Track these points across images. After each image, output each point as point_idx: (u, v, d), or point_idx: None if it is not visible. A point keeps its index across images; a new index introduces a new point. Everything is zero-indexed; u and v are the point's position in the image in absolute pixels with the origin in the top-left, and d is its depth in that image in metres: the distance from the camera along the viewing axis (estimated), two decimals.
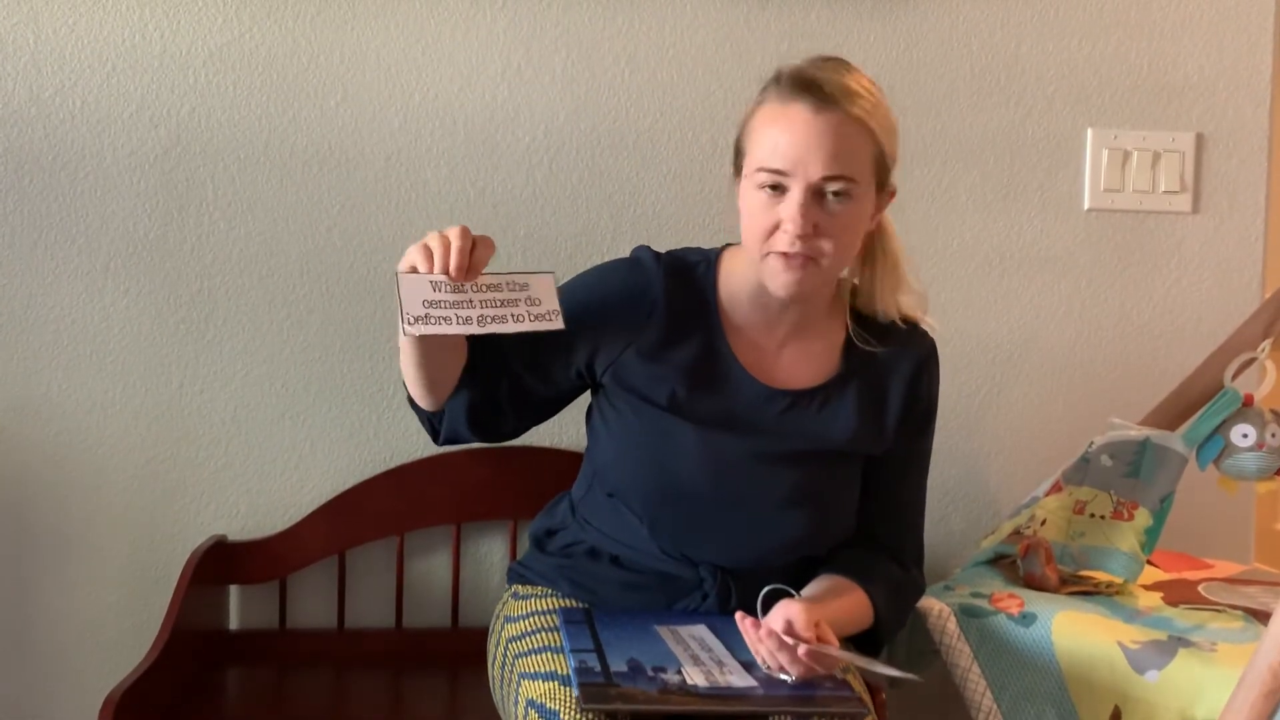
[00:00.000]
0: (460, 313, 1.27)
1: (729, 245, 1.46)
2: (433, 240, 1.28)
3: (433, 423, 1.46)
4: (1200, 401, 1.69)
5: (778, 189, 1.29)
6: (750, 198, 1.32)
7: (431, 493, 1.82)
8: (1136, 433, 1.69)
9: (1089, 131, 1.94)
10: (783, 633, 1.24)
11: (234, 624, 1.85)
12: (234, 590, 1.84)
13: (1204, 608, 1.58)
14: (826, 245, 1.30)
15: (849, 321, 1.43)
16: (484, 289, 1.29)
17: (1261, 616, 1.53)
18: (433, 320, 1.26)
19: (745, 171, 1.33)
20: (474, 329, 1.28)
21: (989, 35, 1.91)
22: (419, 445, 1.84)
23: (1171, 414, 1.73)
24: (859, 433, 1.41)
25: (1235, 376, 1.66)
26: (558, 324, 1.30)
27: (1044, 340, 1.95)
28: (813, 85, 1.28)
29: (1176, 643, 1.43)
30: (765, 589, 1.31)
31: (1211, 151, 1.96)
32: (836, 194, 1.29)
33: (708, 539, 1.40)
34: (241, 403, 1.83)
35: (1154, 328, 1.97)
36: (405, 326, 1.26)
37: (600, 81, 1.85)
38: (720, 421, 1.39)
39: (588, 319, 1.39)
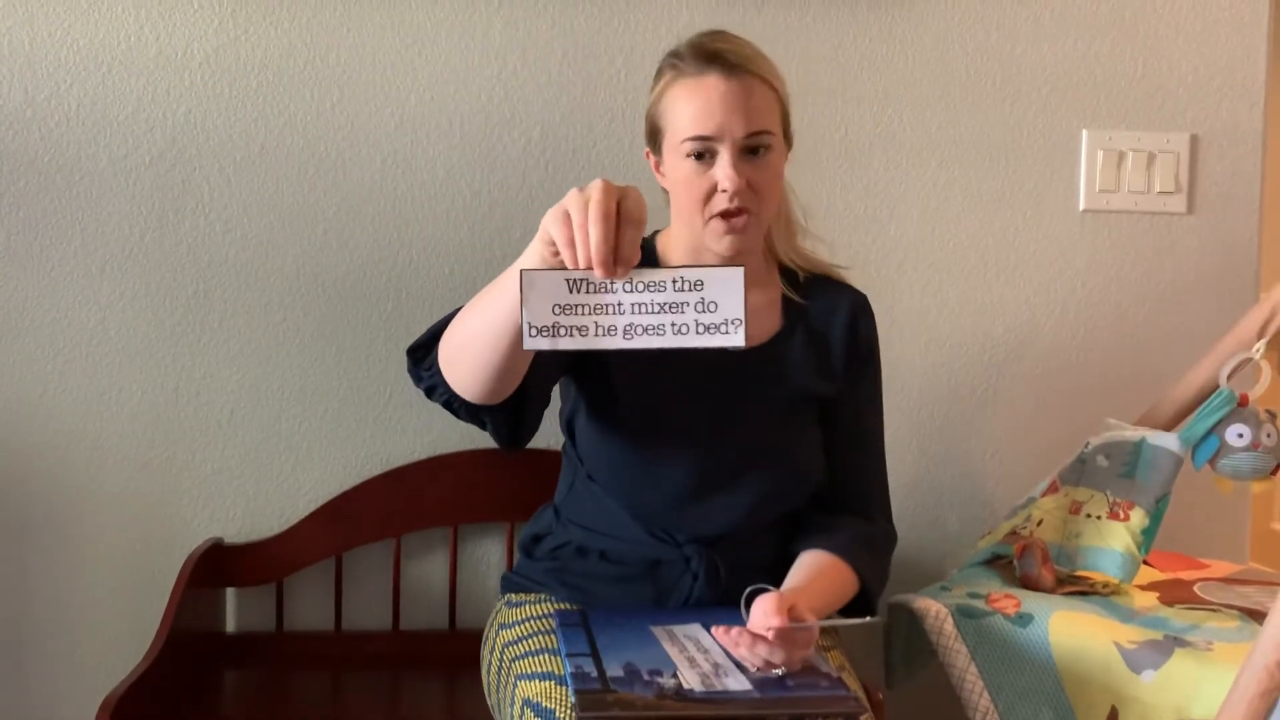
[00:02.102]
0: (603, 320, 1.04)
1: (658, 231, 1.50)
2: (574, 208, 1.05)
3: (495, 423, 1.37)
4: (1196, 402, 1.69)
5: (705, 156, 1.35)
6: (679, 169, 1.37)
7: (428, 494, 1.82)
8: (1132, 433, 1.69)
9: (1084, 133, 1.94)
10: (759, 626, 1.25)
11: (231, 626, 1.84)
12: (231, 593, 1.84)
13: (1200, 607, 1.58)
14: (758, 197, 1.37)
15: (779, 277, 1.50)
16: (640, 287, 1.04)
17: (1257, 616, 1.53)
18: (563, 331, 1.03)
19: (669, 145, 1.38)
20: (617, 342, 1.04)
21: (984, 36, 1.92)
22: (415, 447, 1.84)
23: (1167, 414, 1.73)
24: (809, 374, 1.46)
25: (1230, 377, 1.66)
26: (737, 339, 1.05)
27: (1040, 341, 1.96)
28: (719, 55, 1.35)
29: (1173, 642, 1.43)
30: (747, 590, 1.31)
31: (1206, 152, 1.96)
32: (760, 149, 1.36)
33: (683, 507, 1.42)
34: (238, 404, 1.82)
35: (1149, 328, 1.97)
36: (525, 338, 1.05)
37: (596, 83, 1.85)
38: (677, 391, 1.42)
39: None
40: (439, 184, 1.83)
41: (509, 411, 1.37)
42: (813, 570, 1.41)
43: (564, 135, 1.85)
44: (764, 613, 1.25)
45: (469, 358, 1.25)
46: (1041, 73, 1.93)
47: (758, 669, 1.26)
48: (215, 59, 1.79)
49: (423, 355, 1.36)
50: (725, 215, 1.36)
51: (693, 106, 1.34)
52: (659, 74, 1.41)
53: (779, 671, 1.25)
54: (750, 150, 1.35)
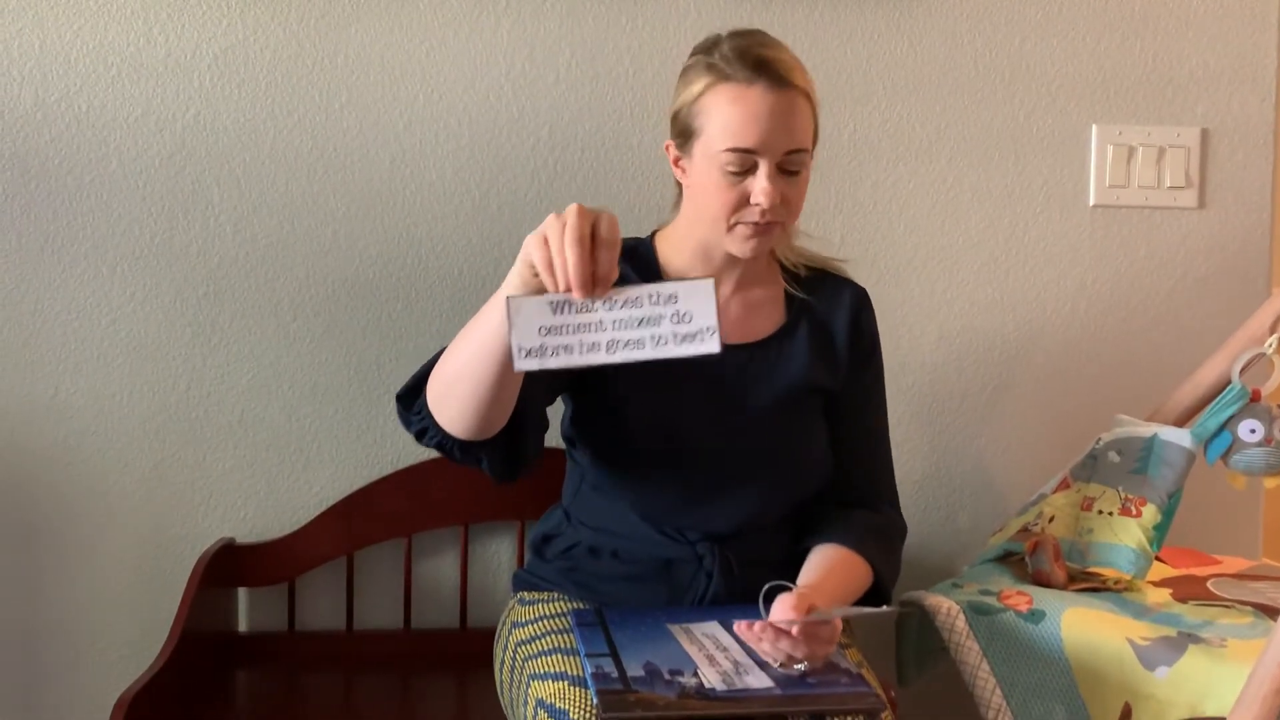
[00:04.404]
0: (586, 338, 1.10)
1: (656, 231, 1.51)
2: (552, 233, 1.10)
3: (491, 458, 1.35)
4: (1208, 397, 1.69)
5: (743, 166, 1.34)
6: (710, 174, 1.35)
7: (439, 493, 1.82)
8: (1144, 429, 1.69)
9: (1094, 128, 1.93)
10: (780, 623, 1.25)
11: (243, 626, 1.85)
12: (243, 593, 1.84)
13: (1213, 604, 1.58)
14: (788, 211, 1.38)
15: (781, 273, 1.50)
16: (619, 304, 1.10)
17: (1271, 612, 1.53)
18: (550, 351, 1.10)
19: (702, 148, 1.36)
20: (600, 357, 1.10)
21: (993, 32, 1.91)
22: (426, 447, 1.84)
23: (1179, 410, 1.73)
24: (814, 366, 1.47)
25: (1243, 372, 1.66)
26: (712, 346, 1.11)
27: (1050, 337, 1.95)
28: (766, 65, 1.33)
29: (1186, 639, 1.43)
30: (765, 587, 1.31)
31: (1217, 147, 1.96)
32: (795, 167, 1.36)
33: (694, 505, 1.42)
34: (249, 405, 1.83)
35: (1160, 324, 1.97)
36: (515, 360, 1.10)
37: (604, 82, 1.85)
38: (684, 387, 1.43)
39: None
40: (448, 184, 1.84)
41: (504, 445, 1.33)
42: (827, 565, 1.41)
43: (572, 134, 1.85)
44: (785, 609, 1.25)
45: (459, 392, 1.25)
46: (1051, 68, 1.92)
47: (780, 665, 1.26)
48: (223, 60, 1.79)
49: (411, 400, 1.35)
50: (755, 224, 1.36)
51: (737, 116, 1.32)
52: (696, 72, 1.37)
53: (801, 667, 1.25)
54: (788, 166, 1.35)
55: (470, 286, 1.84)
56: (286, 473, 1.84)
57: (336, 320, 1.83)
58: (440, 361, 1.29)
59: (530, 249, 1.12)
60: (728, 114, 1.33)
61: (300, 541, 1.81)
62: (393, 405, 1.81)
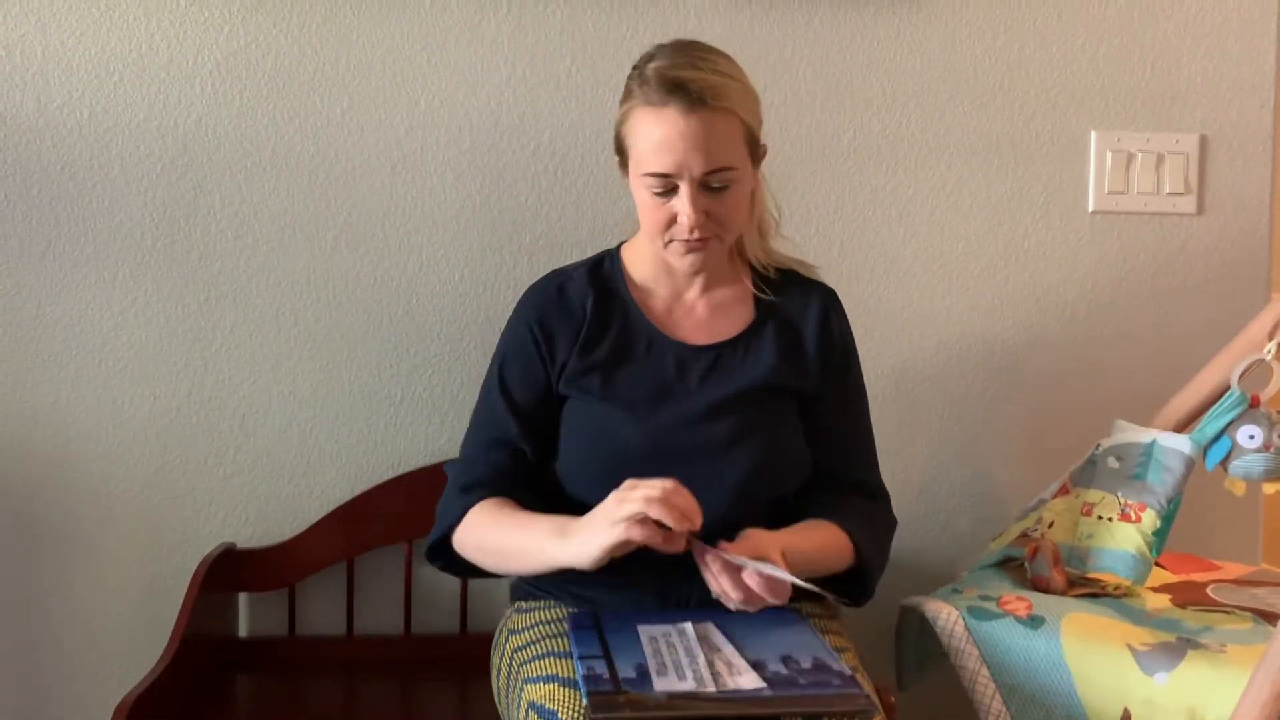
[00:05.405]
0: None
1: (623, 242, 1.55)
2: (648, 502, 1.26)
3: None
4: (1207, 403, 1.69)
5: (664, 188, 1.37)
6: (640, 193, 1.40)
7: (439, 498, 1.82)
8: (1143, 435, 1.69)
9: (1093, 134, 1.94)
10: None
11: (243, 631, 1.85)
12: (243, 597, 1.85)
13: (1212, 609, 1.58)
14: (721, 224, 1.40)
15: (748, 273, 1.53)
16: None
17: (1270, 617, 1.53)
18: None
19: (631, 168, 1.41)
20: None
21: (993, 38, 1.92)
22: (426, 451, 1.85)
23: (1178, 416, 1.73)
24: (781, 367, 1.48)
25: (1242, 378, 1.66)
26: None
27: (1049, 343, 1.96)
28: (681, 87, 1.34)
29: (1185, 644, 1.43)
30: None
31: (1215, 153, 1.96)
32: (720, 184, 1.37)
33: None
34: (249, 410, 1.83)
35: (1159, 329, 1.97)
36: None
37: (605, 87, 1.85)
38: (653, 390, 1.45)
39: (540, 349, 1.48)
40: (448, 189, 1.84)
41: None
42: (805, 527, 1.42)
43: (573, 140, 1.85)
44: (734, 547, 1.29)
45: (507, 568, 1.46)
46: (1050, 74, 1.93)
47: (716, 595, 1.29)
48: (225, 66, 1.80)
49: (440, 553, 1.51)
50: (686, 241, 1.40)
51: (652, 140, 1.35)
52: (626, 90, 1.42)
53: (732, 606, 1.29)
54: (710, 184, 1.37)
55: (471, 291, 1.85)
56: (287, 477, 1.85)
57: (337, 325, 1.84)
58: (489, 546, 1.44)
59: (633, 535, 1.26)
60: (645, 138, 1.36)
61: (301, 546, 1.81)
62: (394, 410, 1.85)
